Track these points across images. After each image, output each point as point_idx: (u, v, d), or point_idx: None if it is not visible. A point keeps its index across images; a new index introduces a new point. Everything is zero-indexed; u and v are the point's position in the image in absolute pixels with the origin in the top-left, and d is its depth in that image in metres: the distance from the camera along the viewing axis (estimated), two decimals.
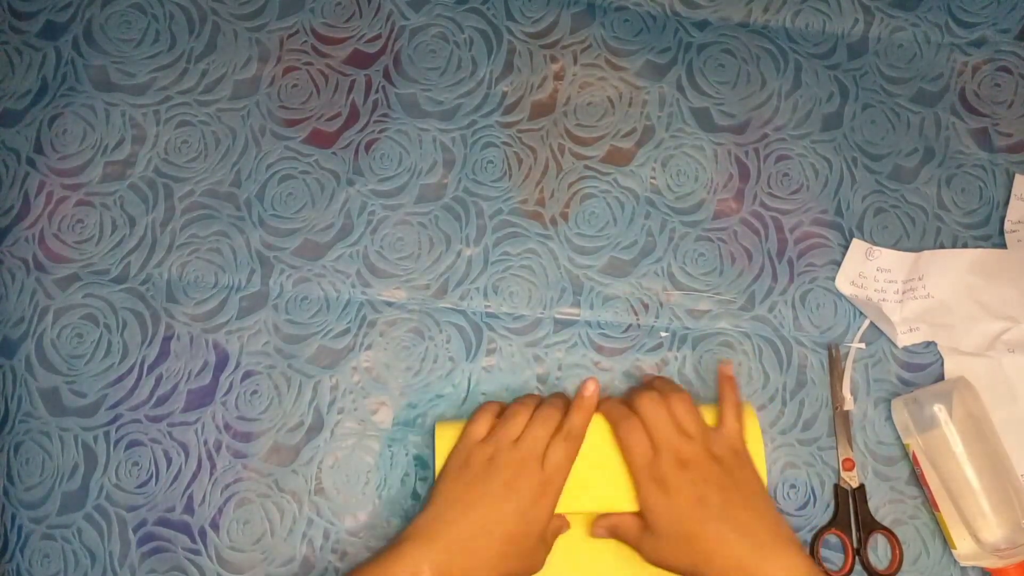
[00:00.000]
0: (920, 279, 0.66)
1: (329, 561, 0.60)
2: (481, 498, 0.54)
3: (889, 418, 0.65)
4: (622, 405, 0.58)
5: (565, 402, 0.59)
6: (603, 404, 0.59)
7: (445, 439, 0.58)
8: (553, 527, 0.57)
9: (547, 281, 0.66)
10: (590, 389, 0.58)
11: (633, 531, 0.56)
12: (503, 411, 0.59)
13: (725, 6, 0.72)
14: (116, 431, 0.62)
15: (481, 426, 0.57)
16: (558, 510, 0.56)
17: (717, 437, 0.56)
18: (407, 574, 0.52)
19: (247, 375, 0.63)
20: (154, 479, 0.61)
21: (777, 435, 0.64)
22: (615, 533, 0.58)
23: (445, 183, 0.67)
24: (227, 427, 0.62)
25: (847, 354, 0.66)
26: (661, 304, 0.66)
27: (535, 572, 0.56)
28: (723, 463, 0.55)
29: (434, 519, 0.54)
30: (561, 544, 0.58)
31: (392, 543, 0.54)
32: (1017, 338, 0.65)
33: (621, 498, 0.57)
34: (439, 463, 0.57)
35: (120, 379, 0.62)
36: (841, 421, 0.64)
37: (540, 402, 0.59)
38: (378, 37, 0.70)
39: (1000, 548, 0.58)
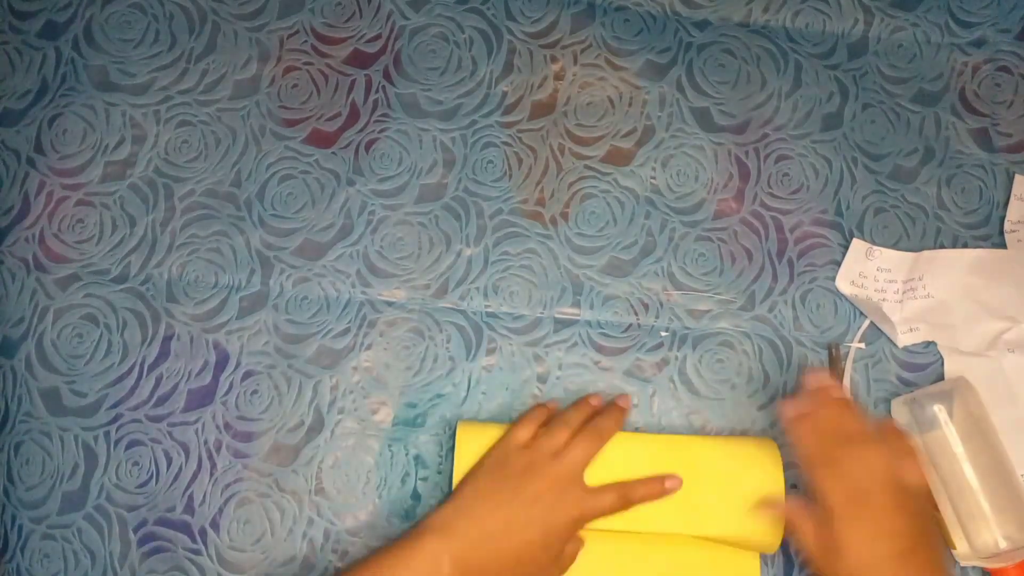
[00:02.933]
0: (920, 279, 0.66)
1: (330, 561, 0.60)
2: (512, 498, 0.54)
3: (889, 418, 0.65)
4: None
5: (615, 422, 0.59)
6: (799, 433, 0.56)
7: (467, 439, 0.58)
8: (570, 551, 0.57)
9: (547, 281, 0.66)
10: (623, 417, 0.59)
11: (809, 529, 0.55)
12: (549, 418, 0.59)
13: (725, 6, 0.72)
14: (116, 431, 0.62)
15: (525, 431, 0.58)
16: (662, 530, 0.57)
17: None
18: (427, 565, 0.52)
19: (247, 375, 0.63)
20: (154, 479, 0.61)
21: (778, 435, 0.64)
22: (790, 529, 0.56)
23: (445, 183, 0.67)
24: (227, 427, 0.62)
25: (847, 354, 0.66)
26: (661, 304, 0.66)
27: None
28: (888, 443, 0.55)
29: (458, 513, 0.54)
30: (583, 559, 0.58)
31: (411, 533, 0.54)
32: (1017, 338, 0.65)
33: (728, 522, 0.58)
34: (458, 462, 0.57)
35: (120, 379, 0.62)
36: None
37: (588, 416, 0.59)
38: (378, 37, 0.70)
39: (1000, 548, 0.58)
